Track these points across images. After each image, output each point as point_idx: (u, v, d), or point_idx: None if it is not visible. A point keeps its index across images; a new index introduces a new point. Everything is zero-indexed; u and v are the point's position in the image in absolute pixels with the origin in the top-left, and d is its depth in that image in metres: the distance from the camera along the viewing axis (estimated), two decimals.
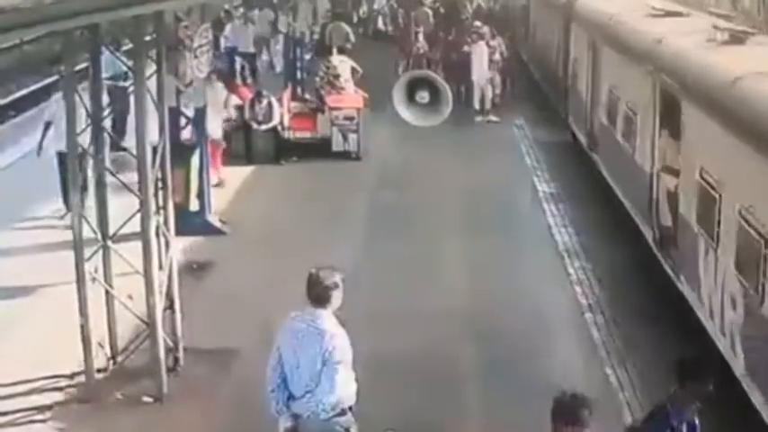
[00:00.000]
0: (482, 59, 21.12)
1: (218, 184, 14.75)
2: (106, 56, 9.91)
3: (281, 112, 17.07)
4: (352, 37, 25.81)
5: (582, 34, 17.08)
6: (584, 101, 16.26)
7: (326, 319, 6.40)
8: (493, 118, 20.68)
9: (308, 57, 22.71)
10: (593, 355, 9.90)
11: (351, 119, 17.12)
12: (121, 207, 9.22)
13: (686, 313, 9.65)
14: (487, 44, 21.54)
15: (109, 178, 9.15)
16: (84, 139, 9.10)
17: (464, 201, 14.71)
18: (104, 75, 9.71)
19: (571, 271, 12.12)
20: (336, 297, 6.43)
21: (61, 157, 12.17)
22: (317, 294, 6.41)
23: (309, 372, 6.33)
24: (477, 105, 20.87)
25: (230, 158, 16.08)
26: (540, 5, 24.96)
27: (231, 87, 17.48)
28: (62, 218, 12.46)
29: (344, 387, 6.35)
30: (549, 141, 18.75)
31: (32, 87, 24.22)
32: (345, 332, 6.44)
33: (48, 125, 13.18)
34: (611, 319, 10.64)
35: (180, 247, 10.02)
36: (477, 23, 23.41)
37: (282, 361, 6.48)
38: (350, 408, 6.48)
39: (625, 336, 10.18)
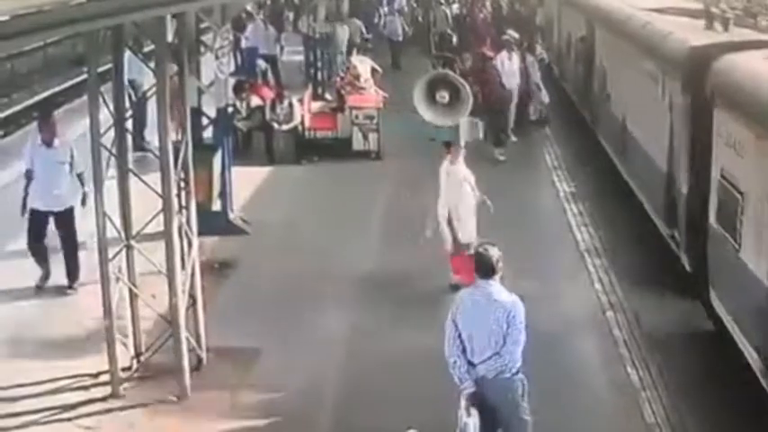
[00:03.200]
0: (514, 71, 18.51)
1: None
2: (128, 57, 9.96)
3: (302, 112, 17.12)
4: (364, 31, 25.94)
5: None
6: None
7: (500, 288, 7.17)
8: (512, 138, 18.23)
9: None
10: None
11: (371, 118, 17.14)
12: (144, 207, 9.28)
13: None
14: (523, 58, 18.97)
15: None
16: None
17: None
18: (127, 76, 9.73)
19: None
20: (501, 268, 7.14)
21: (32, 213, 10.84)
22: (489, 268, 7.13)
23: (495, 337, 7.02)
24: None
25: (251, 158, 16.14)
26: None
27: (253, 88, 17.55)
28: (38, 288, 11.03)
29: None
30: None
31: (56, 89, 24.44)
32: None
33: (29, 175, 10.88)
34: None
35: (202, 247, 10.06)
36: (510, 32, 20.22)
37: (460, 332, 7.11)
38: None
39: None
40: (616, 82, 15.54)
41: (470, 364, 7.11)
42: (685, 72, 10.77)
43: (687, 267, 10.91)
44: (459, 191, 11.26)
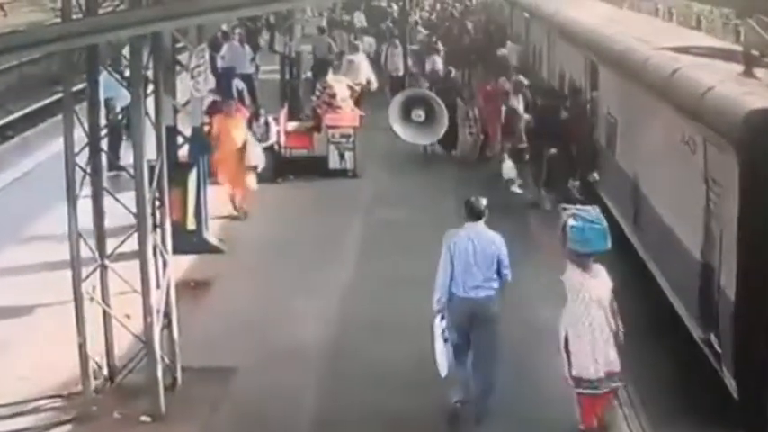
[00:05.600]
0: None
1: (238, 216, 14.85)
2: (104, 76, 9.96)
3: (278, 130, 17.14)
4: (334, 47, 25.90)
5: None
6: None
7: (486, 228, 8.73)
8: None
9: (304, 76, 22.78)
10: None
11: (347, 137, 17.20)
12: (118, 226, 9.25)
13: None
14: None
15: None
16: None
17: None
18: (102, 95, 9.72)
19: None
20: (486, 214, 8.74)
21: None
22: (478, 212, 8.72)
23: (488, 266, 8.58)
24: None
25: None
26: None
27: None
28: None
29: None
30: None
31: (31, 108, 24.36)
32: None
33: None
34: None
35: (177, 266, 10.03)
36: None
37: (454, 263, 8.57)
38: None
39: None
40: (628, 137, 13.06)
41: (454, 294, 8.63)
42: (740, 142, 8.66)
43: (733, 390, 8.61)
44: (588, 314, 8.34)
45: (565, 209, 8.66)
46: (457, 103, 17.71)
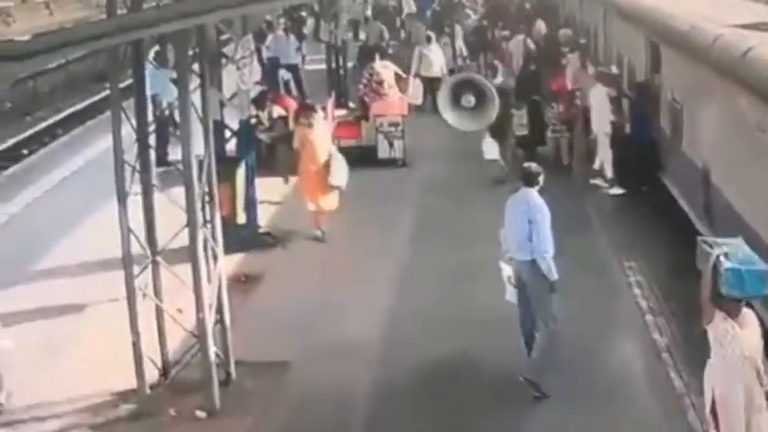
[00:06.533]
0: (602, 100, 15.26)
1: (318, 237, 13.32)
2: (150, 71, 9.91)
3: (326, 121, 17.02)
4: (386, 34, 25.63)
5: None
6: None
7: (533, 194, 9.09)
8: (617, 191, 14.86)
9: (350, 64, 22.65)
10: None
11: (395, 125, 17.02)
12: (168, 222, 9.21)
13: None
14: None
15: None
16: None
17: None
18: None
19: None
20: (541, 180, 9.17)
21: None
22: (526, 176, 9.16)
23: (522, 229, 8.97)
24: (597, 165, 15.32)
25: (275, 170, 16.06)
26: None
27: (276, 99, 17.48)
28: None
29: (547, 238, 8.92)
30: None
31: (79, 105, 24.55)
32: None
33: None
34: None
35: (228, 261, 9.97)
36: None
37: (506, 225, 9.23)
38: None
39: None
40: (696, 124, 12.24)
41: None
42: None
43: None
44: (737, 372, 6.96)
45: (708, 244, 7.18)
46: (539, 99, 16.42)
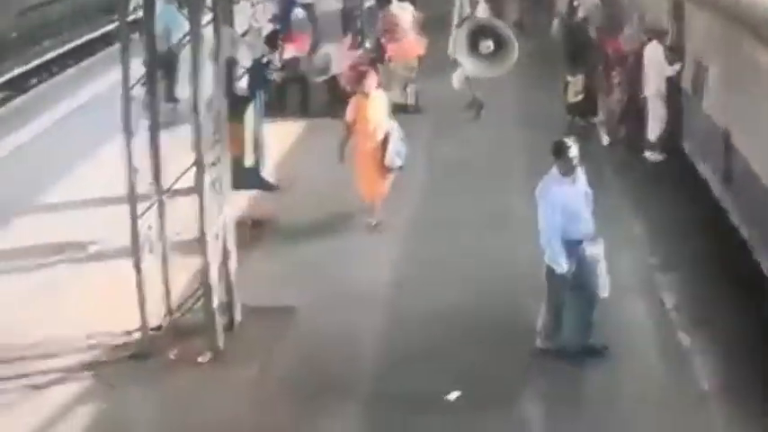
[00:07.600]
0: (660, 66, 13.76)
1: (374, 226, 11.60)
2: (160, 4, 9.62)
3: (340, 62, 16.64)
4: None
5: None
6: None
7: (547, 175, 8.34)
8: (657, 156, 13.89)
9: (367, 4, 22.16)
10: None
11: (410, 68, 16.64)
12: (176, 161, 8.98)
13: None
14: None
15: None
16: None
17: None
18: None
19: None
20: (570, 153, 8.22)
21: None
22: (554, 151, 8.27)
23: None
24: (651, 136, 13.88)
25: (284, 111, 15.78)
26: None
27: (288, 38, 17.10)
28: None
29: (548, 227, 8.19)
30: None
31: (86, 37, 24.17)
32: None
33: None
34: None
35: (235, 204, 9.75)
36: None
37: None
38: None
39: None
40: (721, 85, 11.56)
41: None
42: None
43: None
44: None
45: None
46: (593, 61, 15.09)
